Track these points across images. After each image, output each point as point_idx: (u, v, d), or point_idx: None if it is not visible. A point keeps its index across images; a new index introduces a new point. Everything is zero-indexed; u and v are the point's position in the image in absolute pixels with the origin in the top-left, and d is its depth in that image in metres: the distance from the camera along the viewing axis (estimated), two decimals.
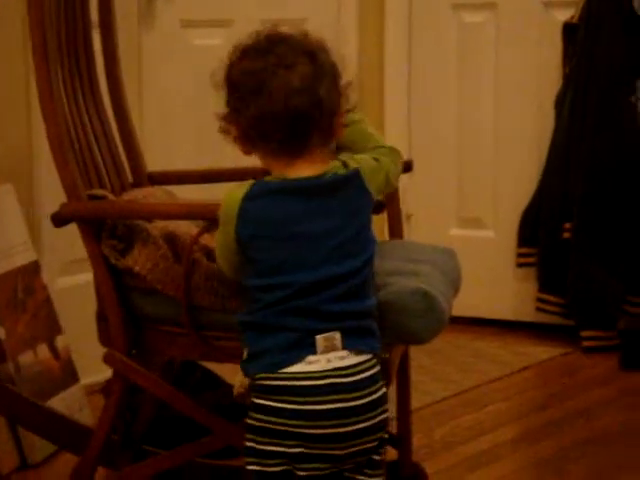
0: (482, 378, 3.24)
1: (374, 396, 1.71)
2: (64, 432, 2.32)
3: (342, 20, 3.75)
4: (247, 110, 1.69)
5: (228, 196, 1.72)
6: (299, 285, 1.68)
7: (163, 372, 2.27)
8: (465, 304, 2.87)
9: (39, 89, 2.02)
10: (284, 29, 1.75)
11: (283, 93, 1.67)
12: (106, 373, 2.14)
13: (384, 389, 1.73)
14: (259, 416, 1.70)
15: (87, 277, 2.15)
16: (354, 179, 1.73)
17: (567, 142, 3.51)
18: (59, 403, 2.63)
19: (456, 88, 3.78)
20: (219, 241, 1.77)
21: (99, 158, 2.21)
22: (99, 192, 2.08)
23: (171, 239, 2.01)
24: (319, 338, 1.68)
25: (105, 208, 2.04)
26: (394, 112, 3.87)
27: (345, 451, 1.70)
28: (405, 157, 1.92)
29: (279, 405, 1.68)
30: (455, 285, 2.19)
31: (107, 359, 2.05)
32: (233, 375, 1.96)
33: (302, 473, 1.70)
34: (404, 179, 2.42)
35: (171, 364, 2.32)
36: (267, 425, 1.69)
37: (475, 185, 3.78)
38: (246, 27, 1.79)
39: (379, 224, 2.84)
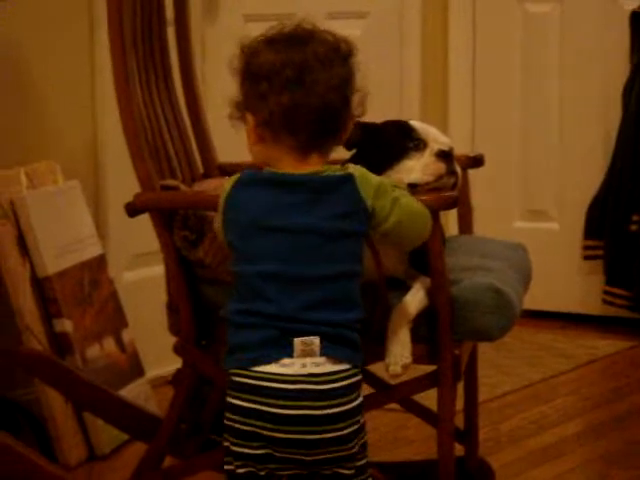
0: (548, 372, 3.21)
1: (345, 407, 1.65)
2: (134, 420, 2.33)
3: (405, 12, 3.73)
4: (278, 98, 1.68)
5: (224, 184, 1.74)
6: (273, 277, 1.64)
7: None
8: (531, 297, 2.82)
9: (115, 82, 2.03)
10: (309, 24, 1.75)
11: (323, 87, 1.68)
12: (171, 366, 2.16)
13: (359, 400, 1.67)
14: (229, 415, 1.67)
15: (152, 271, 2.17)
16: (346, 183, 1.69)
17: (635, 132, 3.46)
18: (125, 396, 2.66)
19: (520, 79, 3.74)
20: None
21: (171, 149, 2.22)
22: (172, 182, 2.09)
23: None
24: (297, 341, 1.63)
25: (179, 198, 2.04)
26: (458, 104, 3.84)
27: (311, 457, 1.66)
28: (470, 150, 1.89)
29: (246, 405, 1.64)
30: (526, 281, 2.18)
31: (177, 349, 2.05)
32: None
33: (263, 473, 1.67)
34: (469, 172, 2.40)
35: None
36: (235, 425, 1.66)
37: (540, 177, 3.75)
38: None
39: (448, 219, 2.83)
